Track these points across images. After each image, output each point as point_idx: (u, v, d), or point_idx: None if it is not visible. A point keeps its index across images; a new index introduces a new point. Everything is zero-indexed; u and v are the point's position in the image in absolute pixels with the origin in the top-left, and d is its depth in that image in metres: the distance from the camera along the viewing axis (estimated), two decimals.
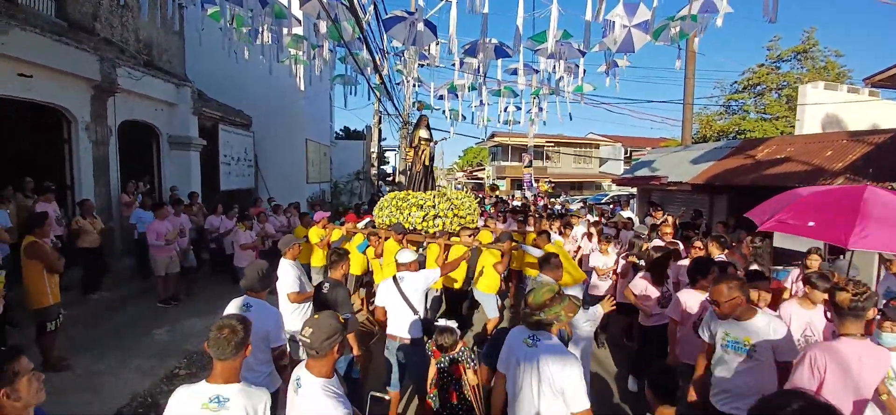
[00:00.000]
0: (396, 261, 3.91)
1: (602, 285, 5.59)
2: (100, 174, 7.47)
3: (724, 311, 2.57)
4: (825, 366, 2.13)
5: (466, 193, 7.37)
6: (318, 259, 6.49)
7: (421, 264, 4.45)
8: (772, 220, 2.90)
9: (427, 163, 7.14)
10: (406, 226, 5.91)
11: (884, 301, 2.45)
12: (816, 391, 2.15)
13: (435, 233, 5.79)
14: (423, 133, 7.09)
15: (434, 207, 6.12)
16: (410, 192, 6.76)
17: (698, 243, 4.89)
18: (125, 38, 8.47)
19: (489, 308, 5.20)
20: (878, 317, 2.44)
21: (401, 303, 3.66)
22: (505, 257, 4.98)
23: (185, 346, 5.53)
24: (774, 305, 3.47)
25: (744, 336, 2.57)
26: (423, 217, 6.02)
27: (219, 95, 11.86)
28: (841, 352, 2.15)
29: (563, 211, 10.99)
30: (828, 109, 12.23)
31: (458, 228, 5.68)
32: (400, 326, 3.68)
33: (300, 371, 2.02)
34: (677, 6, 6.42)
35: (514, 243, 5.20)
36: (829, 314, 3.03)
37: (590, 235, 7.16)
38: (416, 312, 3.68)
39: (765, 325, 2.55)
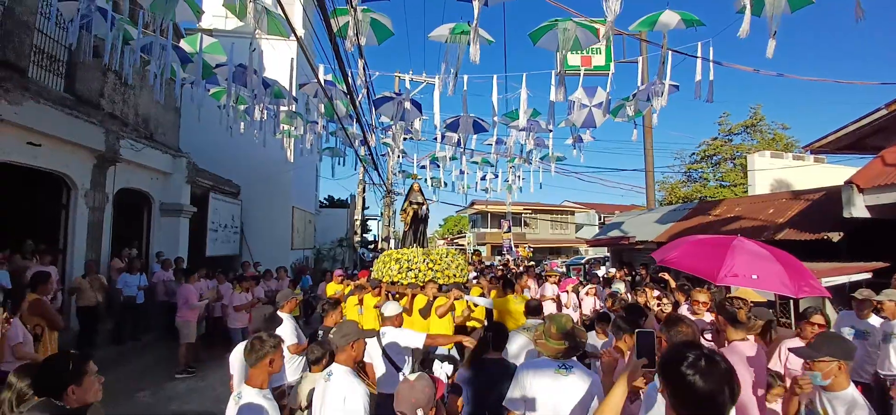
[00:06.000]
0: (381, 314, 4.00)
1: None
2: (93, 239, 7.70)
3: None
4: None
5: (455, 252, 7.92)
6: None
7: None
8: (670, 258, 3.55)
9: (409, 223, 7.78)
10: (385, 279, 6.43)
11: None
12: None
13: (407, 285, 6.21)
14: (413, 198, 7.78)
15: (409, 261, 6.66)
16: (399, 250, 7.30)
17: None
18: (125, 112, 9.05)
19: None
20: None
21: (381, 359, 3.70)
22: (450, 304, 5.13)
23: (170, 407, 5.56)
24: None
25: None
26: (399, 270, 6.61)
27: (210, 165, 12.33)
28: (738, 351, 2.55)
29: (540, 272, 11.53)
30: (776, 174, 13.53)
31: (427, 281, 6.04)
32: (381, 381, 3.64)
33: (331, 367, 2.51)
34: (630, 84, 7.48)
35: (459, 293, 5.35)
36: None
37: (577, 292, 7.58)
38: (398, 368, 3.60)
39: None
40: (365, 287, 6.25)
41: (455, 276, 6.79)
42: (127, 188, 8.70)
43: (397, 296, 6.08)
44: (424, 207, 8.06)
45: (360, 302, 5.93)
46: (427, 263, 6.71)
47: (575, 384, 2.28)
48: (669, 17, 4.80)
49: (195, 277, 7.25)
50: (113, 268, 7.97)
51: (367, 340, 2.73)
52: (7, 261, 6.01)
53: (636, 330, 1.77)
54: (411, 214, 7.86)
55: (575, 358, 2.42)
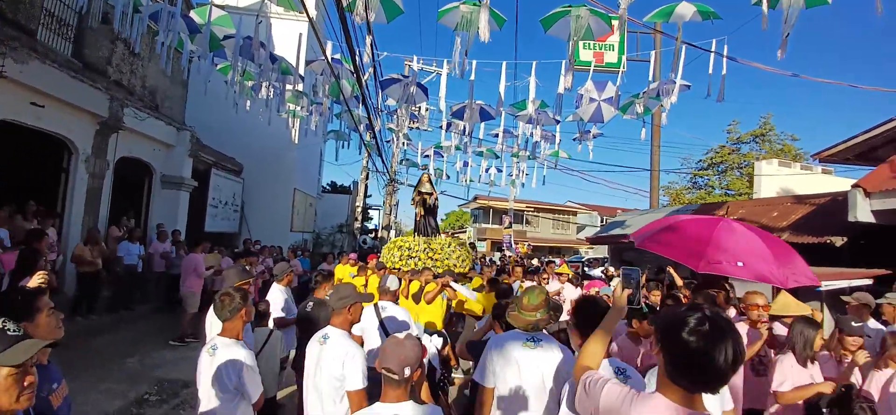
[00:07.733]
0: (386, 286, 3.97)
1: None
2: (91, 206, 7.66)
3: None
4: None
5: (459, 243, 8.01)
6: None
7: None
8: (649, 240, 3.37)
9: (422, 212, 7.91)
10: (389, 264, 6.75)
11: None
12: None
13: (408, 271, 6.35)
14: (421, 188, 7.95)
15: (410, 249, 7.01)
16: (403, 238, 7.73)
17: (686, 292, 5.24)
18: (133, 83, 9.01)
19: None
20: None
21: (378, 332, 3.68)
22: (439, 289, 5.15)
23: (156, 373, 5.58)
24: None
25: None
26: (400, 257, 6.96)
27: (214, 141, 12.28)
28: None
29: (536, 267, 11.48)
30: (782, 182, 13.38)
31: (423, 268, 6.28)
32: (372, 355, 3.58)
33: (326, 329, 2.45)
34: (641, 83, 7.39)
35: (448, 280, 5.34)
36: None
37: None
38: None
39: None
40: (371, 270, 6.51)
41: (455, 266, 6.86)
42: (128, 157, 8.65)
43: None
44: (433, 197, 8.18)
45: (366, 284, 6.07)
46: (427, 253, 6.91)
47: (542, 356, 2.30)
48: (685, 9, 4.71)
49: (200, 249, 7.36)
50: (111, 236, 7.95)
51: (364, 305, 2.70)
52: (8, 220, 5.98)
53: (622, 266, 1.90)
54: (420, 203, 8.04)
55: (545, 332, 2.45)
